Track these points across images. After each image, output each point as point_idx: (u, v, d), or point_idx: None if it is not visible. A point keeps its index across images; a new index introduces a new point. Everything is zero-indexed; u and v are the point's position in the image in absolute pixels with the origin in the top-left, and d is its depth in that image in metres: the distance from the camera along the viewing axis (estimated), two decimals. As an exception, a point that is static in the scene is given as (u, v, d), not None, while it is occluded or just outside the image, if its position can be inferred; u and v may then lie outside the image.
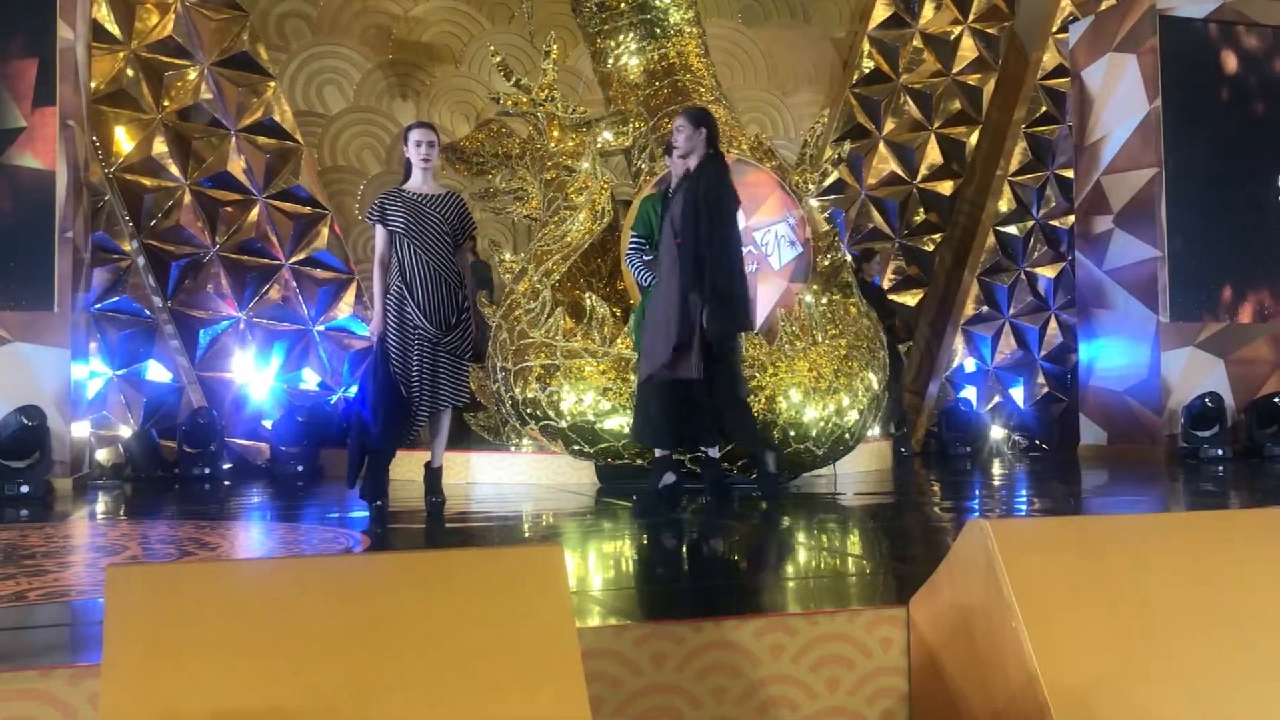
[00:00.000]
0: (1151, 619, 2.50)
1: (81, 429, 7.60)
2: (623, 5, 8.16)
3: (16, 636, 2.96)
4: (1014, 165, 10.66)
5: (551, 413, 6.88)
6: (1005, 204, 10.66)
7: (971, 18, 10.79)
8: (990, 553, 2.59)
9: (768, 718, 2.76)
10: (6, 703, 2.33)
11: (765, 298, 7.28)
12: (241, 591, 2.09)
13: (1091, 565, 2.60)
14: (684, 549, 4.60)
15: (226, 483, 7.97)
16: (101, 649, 2.66)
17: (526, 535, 5.12)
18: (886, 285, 10.63)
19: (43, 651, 2.86)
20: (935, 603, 2.82)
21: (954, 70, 10.81)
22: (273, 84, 8.95)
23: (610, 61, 8.38)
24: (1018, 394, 10.78)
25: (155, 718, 1.91)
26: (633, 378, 6.64)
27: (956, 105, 10.80)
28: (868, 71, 10.72)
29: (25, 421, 6.58)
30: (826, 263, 7.64)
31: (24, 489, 6.59)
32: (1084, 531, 2.78)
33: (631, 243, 5.85)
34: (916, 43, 10.80)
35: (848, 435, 7.00)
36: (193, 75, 8.73)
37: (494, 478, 7.50)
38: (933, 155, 10.77)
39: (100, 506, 6.46)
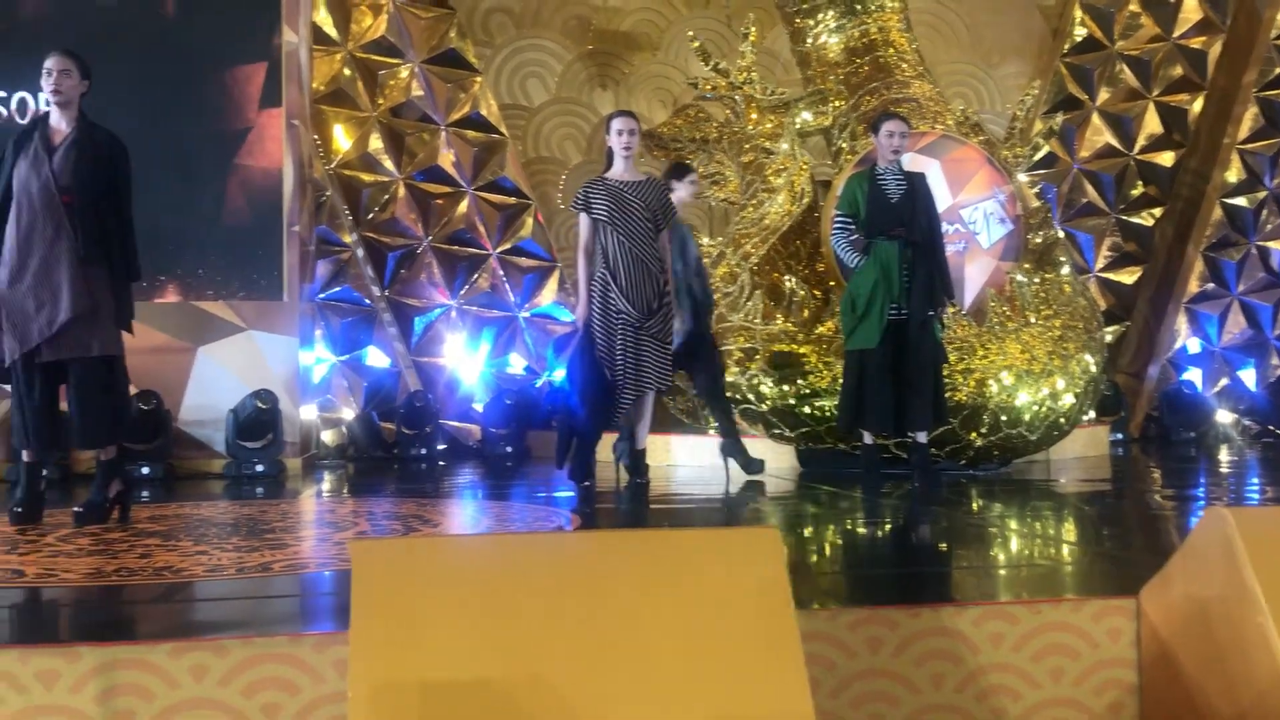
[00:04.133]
0: None
1: (309, 412, 8.08)
2: (823, -17, 8.05)
3: (266, 604, 3.18)
4: (1243, 132, 9.96)
5: (752, 396, 6.88)
6: (1234, 174, 9.98)
7: (1195, -23, 10.14)
8: (1231, 543, 2.46)
9: (988, 706, 2.70)
10: (260, 665, 2.51)
11: (974, 277, 7.07)
12: (476, 565, 2.19)
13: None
14: (892, 536, 4.52)
15: (441, 463, 8.31)
16: (341, 618, 2.83)
17: (730, 518, 5.15)
18: (1101, 263, 10.14)
19: (288, 620, 3.07)
20: (1169, 594, 2.68)
21: (1175, 34, 10.18)
22: (479, 79, 9.24)
23: (809, 40, 8.28)
24: (1248, 376, 10.09)
25: (399, 684, 2.02)
26: (835, 360, 6.57)
27: (1178, 71, 10.18)
28: (1080, 39, 10.22)
29: (260, 405, 7.04)
30: (1039, 240, 7.35)
31: (259, 468, 7.06)
32: (1338, 522, 2.60)
33: (836, 223, 5.79)
34: (1133, 7, 10.22)
35: (1063, 420, 6.73)
36: (404, 73, 9.11)
37: (694, 460, 7.55)
38: (1151, 125, 10.19)
39: (327, 485, 6.85)
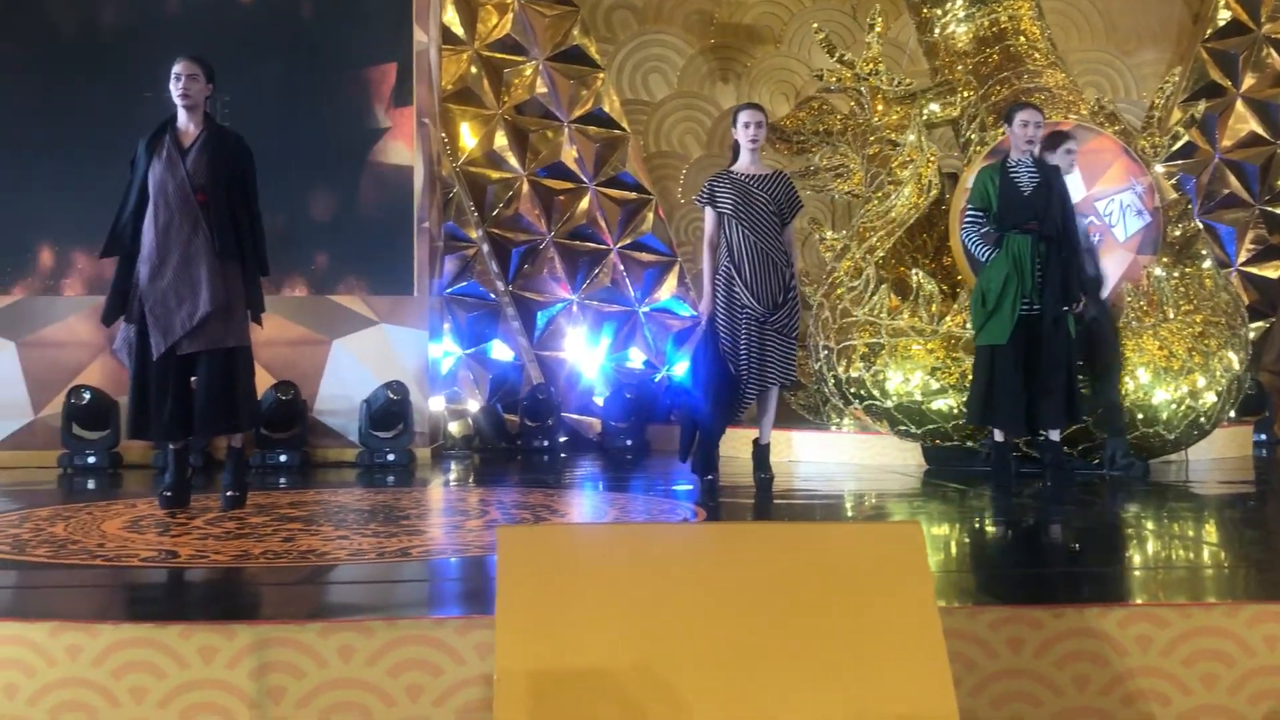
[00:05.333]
0: None
1: (437, 403, 8.26)
2: (951, -29, 7.89)
3: (406, 588, 3.27)
4: (1400, 118, 9.45)
5: (876, 392, 6.79)
6: (1389, 162, 9.47)
7: (1349, -46, 9.65)
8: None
9: (1135, 711, 2.63)
10: (404, 647, 2.59)
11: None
12: (619, 553, 2.22)
13: None
14: (1024, 534, 4.42)
15: (562, 455, 8.42)
16: (476, 602, 2.90)
17: (854, 515, 5.10)
18: (1244, 257, 9.72)
19: (428, 602, 3.15)
20: (1331, 601, 2.57)
21: (1327, 15, 9.70)
22: (601, 75, 9.31)
23: (937, 30, 8.13)
24: (1403, 376, 9.57)
25: (544, 668, 2.06)
26: (963, 356, 6.45)
27: (1329, 54, 9.70)
28: (1223, 24, 9.80)
29: (391, 396, 7.23)
30: (1178, 233, 7.09)
31: (390, 457, 7.25)
32: None
33: (967, 217, 5.67)
34: (1282, -13, 9.77)
35: (1203, 419, 6.48)
36: (529, 71, 9.23)
37: (817, 456, 7.50)
38: (1300, 112, 9.72)
39: (454, 474, 7.00)
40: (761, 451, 5.76)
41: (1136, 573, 3.51)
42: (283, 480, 6.44)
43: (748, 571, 2.20)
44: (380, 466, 7.15)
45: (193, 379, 4.74)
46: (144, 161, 4.72)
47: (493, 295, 9.16)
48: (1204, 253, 7.09)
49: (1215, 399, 6.50)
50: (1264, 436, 8.77)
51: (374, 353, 7.54)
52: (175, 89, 4.75)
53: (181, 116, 4.77)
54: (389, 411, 7.26)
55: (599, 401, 9.17)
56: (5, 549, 3.77)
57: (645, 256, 9.33)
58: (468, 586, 3.29)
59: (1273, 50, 9.77)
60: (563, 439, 8.95)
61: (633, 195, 9.30)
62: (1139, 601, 2.84)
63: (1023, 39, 7.73)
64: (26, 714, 2.51)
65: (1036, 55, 7.65)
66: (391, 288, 7.65)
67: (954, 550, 4.06)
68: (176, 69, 4.75)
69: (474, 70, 9.13)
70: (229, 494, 4.85)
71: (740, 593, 2.16)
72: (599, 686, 2.09)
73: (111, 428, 7.09)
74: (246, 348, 4.81)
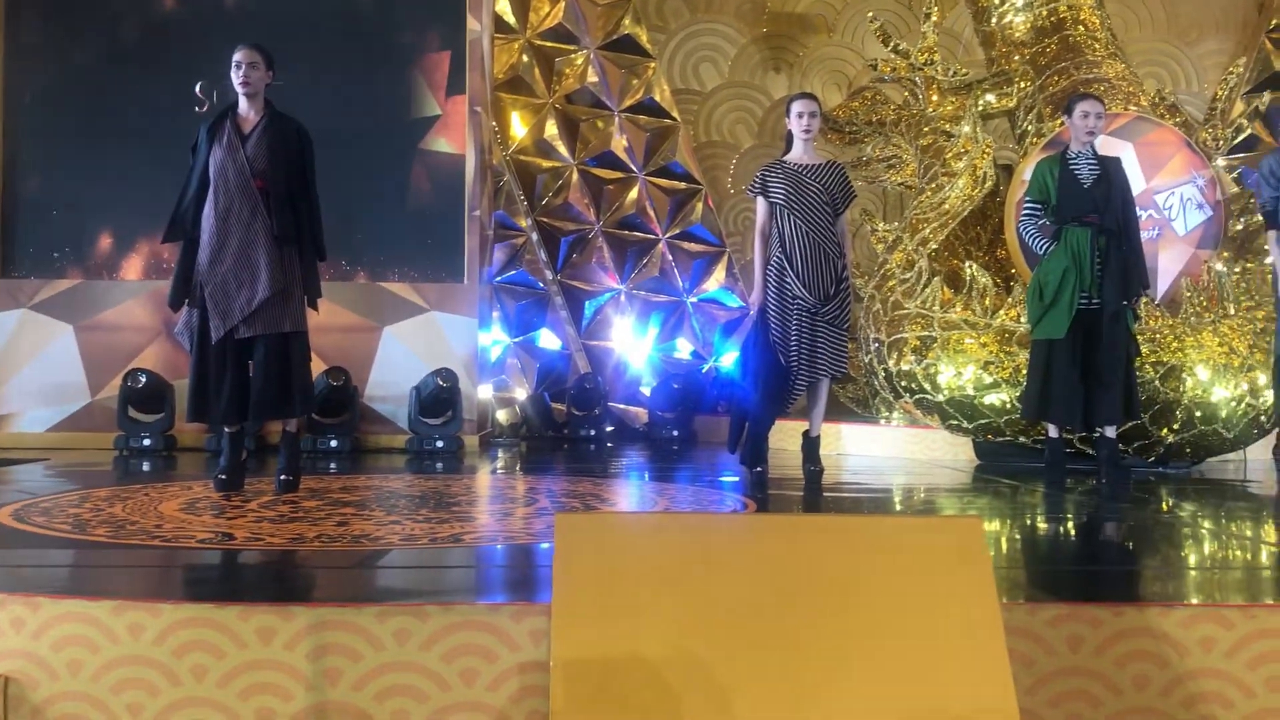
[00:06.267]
0: None
1: (485, 391, 8.31)
2: (1010, -40, 7.79)
3: (459, 573, 3.29)
4: None
5: (928, 386, 6.73)
6: None
7: None
8: None
9: (1196, 713, 2.58)
10: (459, 632, 2.59)
11: (1168, 265, 6.75)
12: (675, 542, 2.21)
13: None
14: (1079, 531, 4.36)
15: (609, 444, 8.43)
16: (528, 589, 2.91)
17: (903, 509, 5.06)
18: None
19: (480, 588, 3.16)
20: (1402, 604, 2.51)
21: (1398, 5, 9.46)
22: (653, 64, 9.30)
23: (994, 19, 8.03)
24: None
25: (600, 655, 2.06)
26: (1016, 350, 6.37)
27: (1398, 45, 9.46)
28: (1288, 14, 9.60)
29: (441, 383, 7.27)
30: (1239, 227, 6.96)
31: (439, 443, 7.30)
32: None
33: (1025, 209, 5.59)
34: (1351, -24, 9.55)
35: (1264, 418, 6.37)
36: (579, 60, 9.24)
37: (866, 449, 7.46)
38: (1369, 104, 9.49)
39: (502, 462, 7.03)
40: (811, 444, 5.73)
41: (1194, 572, 3.45)
42: (333, 465, 6.50)
43: (803, 564, 2.19)
44: (429, 453, 7.20)
45: (250, 364, 4.79)
46: (205, 147, 4.78)
47: (541, 284, 9.18)
48: (1267, 247, 6.94)
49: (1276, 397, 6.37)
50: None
51: (424, 340, 7.59)
52: (236, 77, 4.80)
53: (243, 104, 4.83)
54: (438, 399, 7.31)
55: (646, 392, 9.18)
56: (67, 528, 3.84)
57: (694, 247, 9.31)
58: (519, 574, 3.30)
59: (1340, 41, 9.55)
60: (609, 428, 8.97)
61: (682, 185, 9.28)
62: (1201, 602, 2.79)
63: (1082, 29, 7.62)
64: (90, 689, 2.56)
65: (1096, 45, 7.53)
66: (442, 275, 7.70)
67: (1008, 546, 4.02)
68: (237, 57, 4.80)
69: (525, 59, 9.15)
70: (283, 478, 4.90)
71: (796, 585, 2.15)
72: (653, 675, 2.08)
73: (166, 411, 7.20)
74: (303, 333, 4.85)
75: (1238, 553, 3.88)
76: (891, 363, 6.92)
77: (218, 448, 5.36)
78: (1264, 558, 3.79)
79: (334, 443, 7.18)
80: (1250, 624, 2.61)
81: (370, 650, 2.59)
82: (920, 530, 2.28)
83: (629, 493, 5.49)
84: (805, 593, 2.15)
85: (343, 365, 7.31)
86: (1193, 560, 3.68)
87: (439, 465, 6.57)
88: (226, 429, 4.91)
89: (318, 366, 7.17)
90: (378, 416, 7.57)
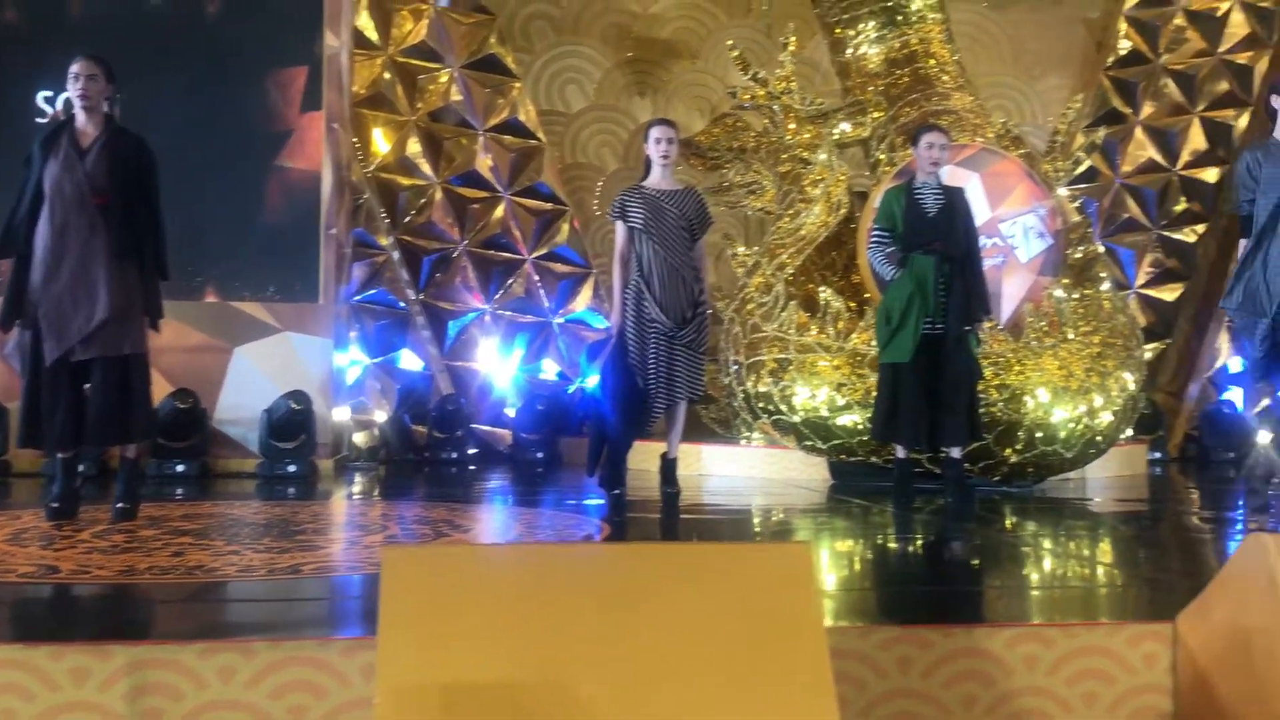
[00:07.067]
0: None
1: (342, 413, 8.11)
2: (863, -7, 8.02)
3: (295, 607, 3.19)
4: (1290, 149, 9.82)
5: (784, 407, 6.85)
6: (1279, 192, 9.83)
7: (1243, -9, 10.02)
8: (1272, 571, 2.41)
9: (1019, 731, 2.66)
10: (287, 669, 2.52)
11: (1011, 291, 7.00)
12: (506, 574, 2.18)
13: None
14: (923, 552, 4.48)
15: (472, 467, 8.33)
16: (369, 623, 2.83)
17: (759, 530, 5.12)
18: (1142, 279, 10.02)
19: (316, 623, 3.08)
20: (1207, 621, 2.64)
21: (1221, 48, 10.05)
22: (518, 84, 9.27)
23: (849, 50, 8.25)
24: (1289, 397, 9.93)
25: (426, 691, 2.01)
26: (868, 373, 6.53)
27: (1224, 86, 10.04)
28: (1124, 53, 10.11)
29: (293, 406, 7.08)
30: (1078, 255, 7.28)
31: (291, 468, 7.10)
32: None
33: (873, 236, 5.74)
34: (1179, 20, 10.10)
35: (1099, 438, 6.65)
36: (444, 78, 9.14)
37: (726, 470, 7.53)
38: (1196, 140, 10.05)
39: (358, 487, 6.88)
40: (669, 466, 5.76)
41: (1030, 591, 3.57)
42: (180, 491, 6.27)
43: (638, 593, 2.18)
44: (281, 478, 7.00)
45: (86, 386, 4.59)
46: (39, 162, 4.57)
47: (402, 304, 9.04)
48: (1103, 275, 7.29)
49: (1111, 418, 6.67)
50: (1159, 455, 9.03)
51: (277, 361, 7.39)
52: (74, 89, 4.61)
53: (80, 117, 4.63)
54: (290, 421, 7.11)
55: (511, 413, 9.10)
56: (-128, 563, 3.60)
57: (560, 267, 9.29)
58: (359, 605, 3.22)
59: (1170, 80, 10.10)
60: (473, 451, 8.85)
61: (548, 206, 9.26)
62: (1026, 621, 2.89)
63: (933, 61, 7.88)
64: (-120, 740, 2.40)
65: (945, 78, 7.80)
66: (296, 295, 7.50)
67: (850, 568, 4.10)
68: (75, 68, 4.61)
69: (387, 76, 9.02)
70: (119, 505, 4.69)
71: (630, 615, 2.14)
72: (484, 711, 2.05)
73: (-1, 435, 6.84)
74: (142, 355, 4.67)
75: (1069, 571, 4.03)
76: (750, 384, 7.02)
77: (53, 473, 5.11)
78: (1091, 577, 3.95)
79: (181, 467, 6.92)
80: (1070, 642, 2.70)
81: (193, 689, 2.49)
82: (750, 557, 2.30)
83: (486, 519, 5.43)
84: (638, 622, 2.14)
85: (191, 387, 7.06)
86: (1024, 579, 3.81)
87: (290, 491, 6.39)
88: (60, 454, 4.69)
89: (165, 388, 6.93)
90: (228, 440, 7.33)
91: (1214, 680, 2.59)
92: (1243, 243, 5.21)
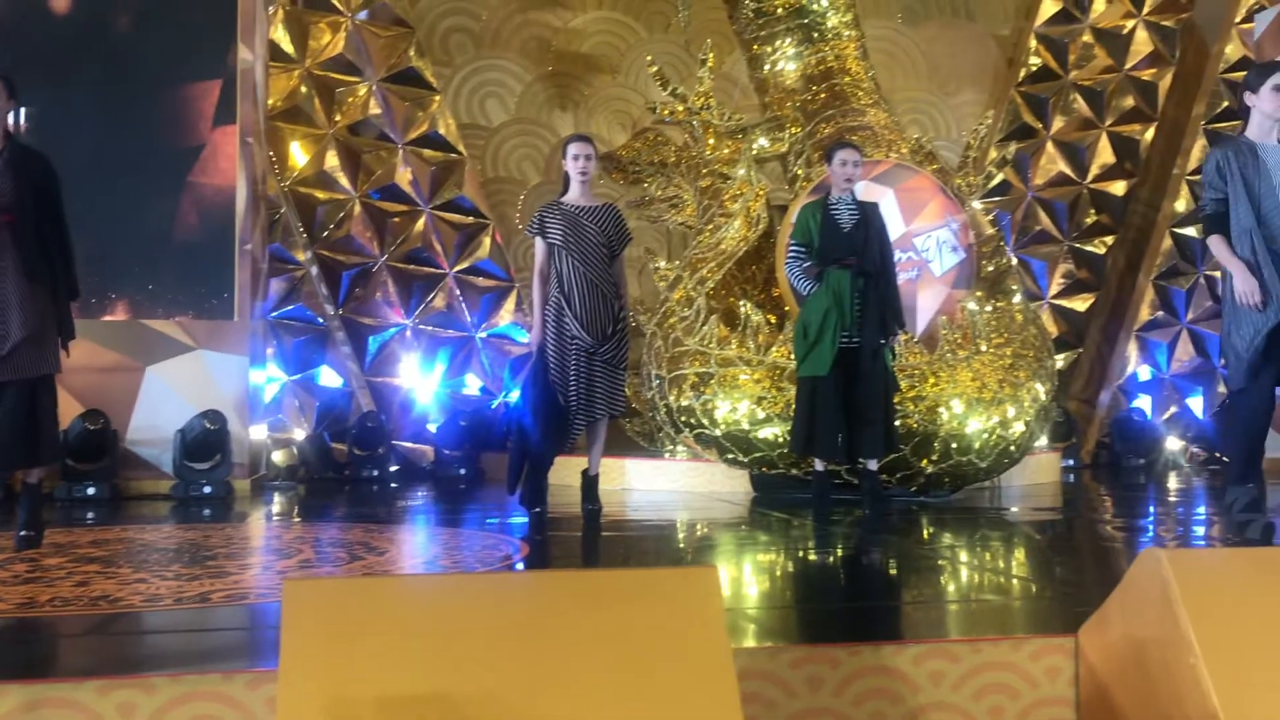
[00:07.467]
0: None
1: (259, 432, 7.98)
2: (780, 10, 8.11)
3: (202, 638, 3.12)
4: (1193, 163, 10.14)
5: (706, 421, 6.88)
6: (1183, 204, 10.15)
7: (1146, 10, 10.32)
8: (1166, 584, 2.47)
9: (927, 746, 2.70)
10: (190, 703, 2.46)
11: (926, 305, 7.12)
12: (411, 605, 2.16)
13: (1277, 599, 2.45)
14: (840, 567, 4.53)
15: (394, 484, 8.24)
16: (279, 654, 2.79)
17: (681, 546, 5.14)
18: (1054, 290, 10.26)
19: (223, 654, 3.01)
20: (1106, 634, 2.70)
21: (1127, 65, 10.36)
22: (438, 98, 9.21)
23: (767, 67, 8.34)
24: (1196, 404, 10.24)
25: (326, 728, 1.99)
26: (788, 386, 6.59)
27: (1130, 101, 10.35)
28: (1034, 69, 10.36)
29: (208, 425, 6.94)
30: (991, 268, 7.43)
31: (206, 489, 6.96)
32: (1268, 563, 2.63)
33: (790, 252, 5.81)
34: (1086, 38, 10.39)
35: (1013, 447, 6.79)
36: (362, 91, 9.06)
37: (649, 484, 7.54)
38: (1104, 154, 10.34)
39: (276, 507, 6.77)
40: (590, 482, 5.75)
41: (941, 606, 3.62)
42: (90, 515, 6.11)
43: (544, 622, 2.17)
44: (196, 500, 6.86)
45: None
46: None
47: (321, 319, 8.92)
48: (1015, 288, 7.44)
49: (1024, 428, 6.81)
50: (1072, 462, 9.25)
51: (191, 380, 7.25)
52: None
53: None
54: (205, 441, 6.98)
55: (433, 429, 9.03)
56: None
57: (482, 281, 9.25)
58: (269, 636, 3.16)
59: (1079, 96, 10.37)
60: (394, 468, 8.77)
61: (470, 220, 9.22)
62: (933, 638, 2.93)
63: (848, 78, 7.99)
64: None
65: (861, 94, 7.91)
66: (210, 312, 7.37)
67: (766, 584, 4.13)
68: None
69: (304, 89, 8.92)
70: (22, 533, 4.55)
71: (537, 644, 2.13)
72: (388, 744, 2.03)
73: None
74: (51, 376, 4.54)
75: (979, 583, 4.10)
76: (672, 398, 7.04)
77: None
78: (1004, 588, 4.02)
79: (92, 490, 6.76)
80: (975, 657, 2.75)
81: (91, 728, 2.43)
82: (657, 582, 2.30)
83: (404, 540, 5.37)
84: (546, 650, 2.13)
85: (102, 408, 6.90)
86: (936, 594, 3.87)
87: (206, 512, 6.26)
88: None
89: (74, 409, 6.76)
90: (140, 461, 7.16)
91: (1114, 692, 2.65)
92: (1214, 240, 4.62)
